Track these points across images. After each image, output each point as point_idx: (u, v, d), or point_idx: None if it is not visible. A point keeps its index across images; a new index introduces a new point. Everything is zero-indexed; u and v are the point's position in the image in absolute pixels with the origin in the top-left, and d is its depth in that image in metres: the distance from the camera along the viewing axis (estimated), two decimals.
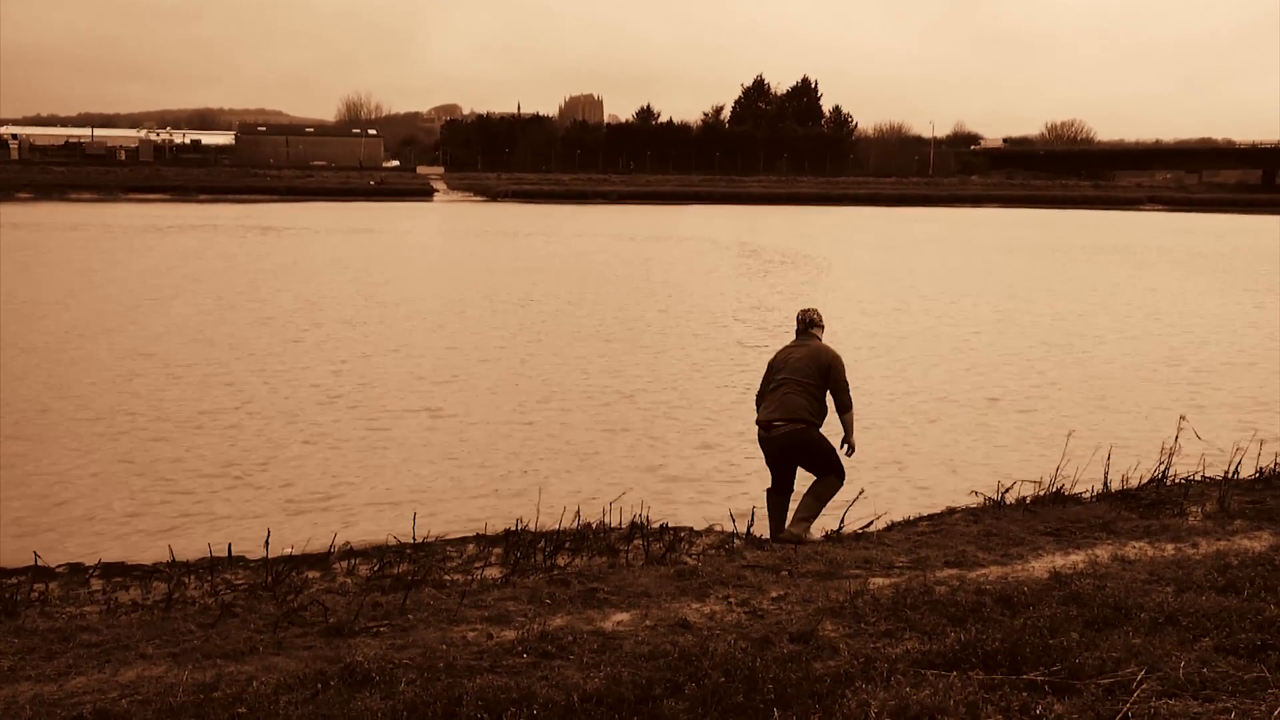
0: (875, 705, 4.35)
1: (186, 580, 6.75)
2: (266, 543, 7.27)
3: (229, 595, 6.30)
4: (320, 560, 7.24)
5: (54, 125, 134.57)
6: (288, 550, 7.45)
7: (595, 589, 6.33)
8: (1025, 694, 4.48)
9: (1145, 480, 9.01)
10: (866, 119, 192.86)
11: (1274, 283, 32.18)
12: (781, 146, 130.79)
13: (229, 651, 5.19)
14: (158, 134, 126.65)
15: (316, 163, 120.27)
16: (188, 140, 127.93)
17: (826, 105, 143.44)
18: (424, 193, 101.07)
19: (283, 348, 17.76)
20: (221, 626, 5.60)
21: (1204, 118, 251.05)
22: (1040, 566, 6.70)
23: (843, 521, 7.95)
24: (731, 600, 6.07)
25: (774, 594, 6.18)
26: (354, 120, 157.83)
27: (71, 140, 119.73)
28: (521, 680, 4.72)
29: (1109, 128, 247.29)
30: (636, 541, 7.59)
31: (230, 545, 7.45)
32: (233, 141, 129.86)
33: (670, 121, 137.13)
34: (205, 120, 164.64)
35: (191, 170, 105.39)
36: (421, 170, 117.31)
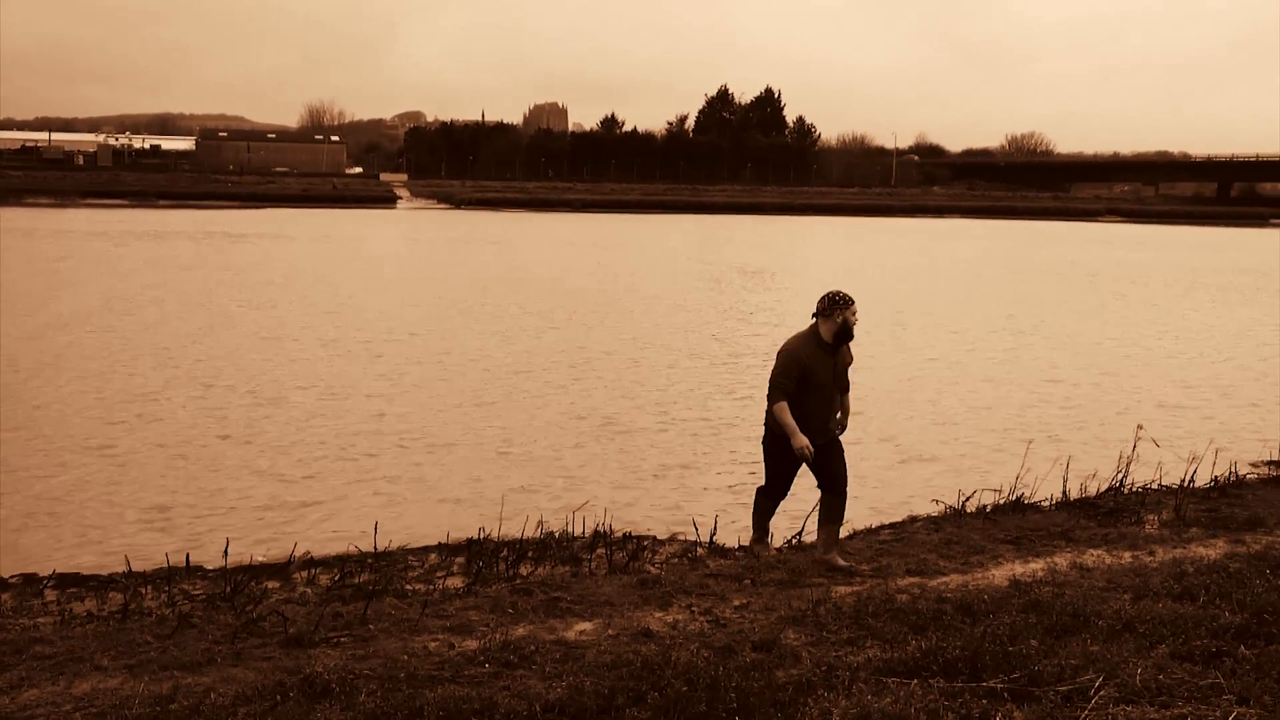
0: (837, 713, 4.37)
1: (143, 591, 6.66)
2: (225, 553, 7.19)
3: (187, 606, 6.22)
4: (280, 570, 7.17)
5: (10, 129, 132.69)
6: (247, 560, 7.37)
7: (558, 598, 6.31)
8: (985, 701, 4.51)
9: (1103, 489, 9.12)
10: (830, 130, 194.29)
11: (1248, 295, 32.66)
12: (745, 156, 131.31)
13: (186, 663, 5.13)
14: (116, 139, 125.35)
15: (278, 169, 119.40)
16: (147, 145, 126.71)
17: (790, 116, 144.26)
18: (387, 200, 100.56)
19: (242, 354, 17.59)
20: (179, 637, 5.52)
21: (1162, 133, 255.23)
22: (1000, 574, 6.76)
23: (803, 529, 7.97)
24: (694, 609, 6.08)
25: (737, 602, 6.19)
26: (317, 126, 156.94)
27: (28, 145, 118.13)
28: (483, 690, 4.69)
29: (1069, 141, 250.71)
30: (600, 550, 7.57)
31: (188, 555, 7.36)
32: (193, 147, 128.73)
33: (635, 130, 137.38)
34: (165, 125, 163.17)
35: (151, 176, 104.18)
36: (385, 177, 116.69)
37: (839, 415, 7.04)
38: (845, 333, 6.78)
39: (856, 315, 6.81)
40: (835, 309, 6.72)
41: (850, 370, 7.08)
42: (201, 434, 12.12)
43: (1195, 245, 64.31)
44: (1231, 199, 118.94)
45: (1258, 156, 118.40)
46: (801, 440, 6.72)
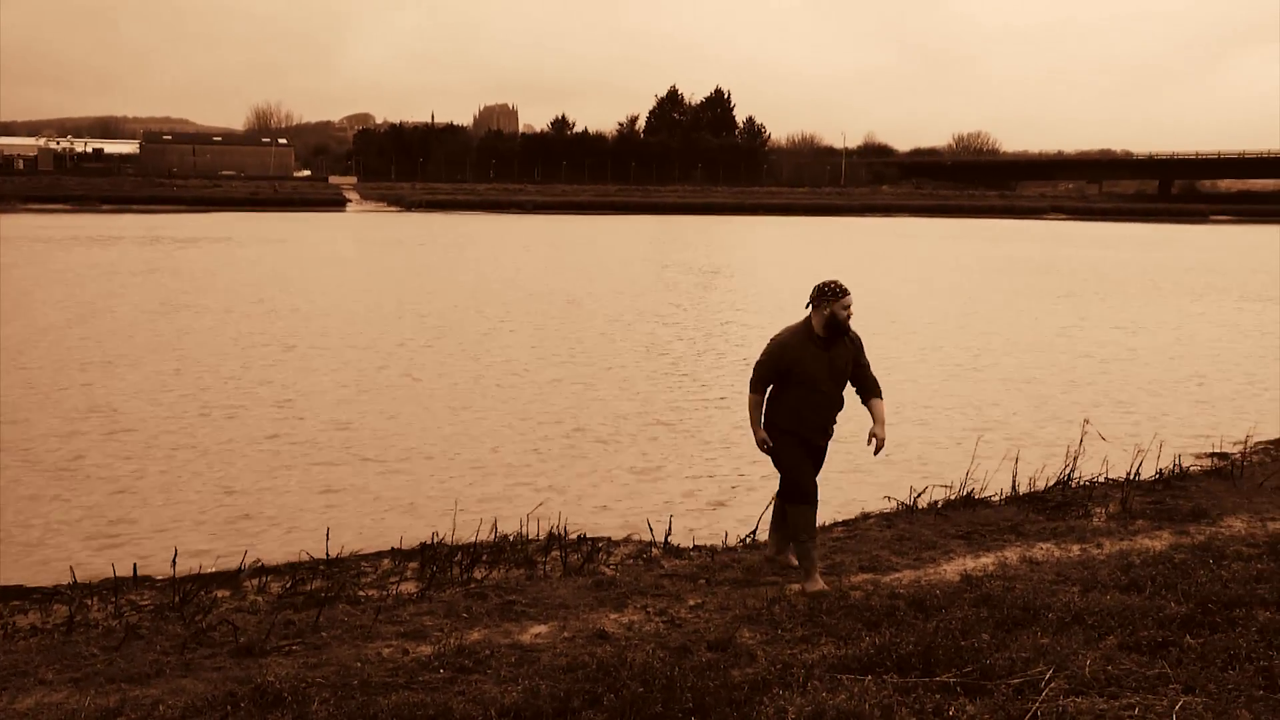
0: (792, 711, 4.39)
1: (89, 602, 6.54)
2: (174, 562, 7.08)
3: (134, 617, 6.12)
4: (230, 579, 7.07)
5: None
6: (197, 569, 7.26)
7: (513, 601, 6.29)
8: (939, 696, 4.55)
9: (1052, 483, 9.24)
10: (779, 130, 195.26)
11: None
12: (696, 157, 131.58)
13: (134, 675, 5.04)
14: (58, 142, 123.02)
15: (225, 172, 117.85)
16: (90, 149, 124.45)
17: (740, 116, 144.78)
18: (336, 202, 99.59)
19: (194, 362, 17.34)
20: (126, 649, 5.43)
21: (1105, 132, 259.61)
22: (952, 569, 6.83)
23: (756, 528, 8.00)
24: (650, 610, 6.08)
25: (692, 602, 6.20)
26: (264, 129, 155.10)
27: None
28: (438, 696, 4.66)
29: (1015, 141, 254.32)
30: (554, 553, 7.55)
31: (135, 565, 7.24)
32: (137, 150, 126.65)
33: (585, 131, 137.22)
34: (108, 128, 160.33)
35: (94, 180, 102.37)
36: (334, 180, 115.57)
37: (875, 425, 6.46)
38: (834, 326, 6.25)
39: (849, 309, 6.27)
40: (824, 300, 6.22)
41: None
42: (151, 443, 11.93)
43: (1142, 241, 65.41)
44: (1172, 196, 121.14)
45: (1197, 155, 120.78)
46: (759, 434, 6.48)
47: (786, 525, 6.72)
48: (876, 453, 6.53)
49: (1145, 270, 41.13)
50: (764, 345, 6.53)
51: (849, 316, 6.29)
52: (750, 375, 6.55)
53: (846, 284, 6.29)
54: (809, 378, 6.30)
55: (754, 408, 6.53)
